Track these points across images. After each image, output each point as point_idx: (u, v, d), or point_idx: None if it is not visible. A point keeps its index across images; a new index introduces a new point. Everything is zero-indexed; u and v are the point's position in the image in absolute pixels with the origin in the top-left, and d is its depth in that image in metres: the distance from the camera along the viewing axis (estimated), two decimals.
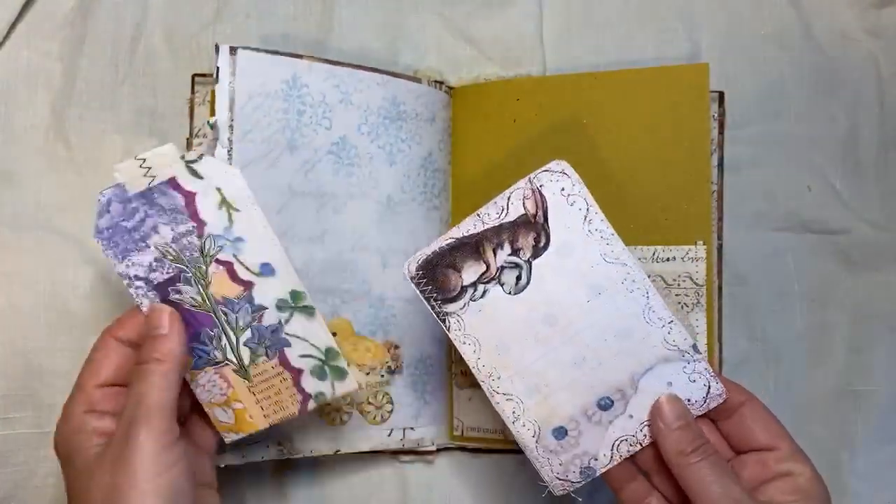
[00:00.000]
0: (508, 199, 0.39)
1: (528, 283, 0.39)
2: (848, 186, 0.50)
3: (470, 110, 0.50)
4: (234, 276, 0.39)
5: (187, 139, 0.48)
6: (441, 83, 0.50)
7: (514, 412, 0.39)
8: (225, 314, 0.39)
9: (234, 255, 0.38)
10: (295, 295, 0.39)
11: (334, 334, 0.46)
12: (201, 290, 0.39)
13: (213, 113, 0.47)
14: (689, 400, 0.38)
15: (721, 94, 0.49)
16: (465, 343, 0.39)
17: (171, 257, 0.38)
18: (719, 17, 0.52)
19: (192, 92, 0.48)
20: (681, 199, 0.47)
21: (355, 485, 0.49)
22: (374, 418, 0.47)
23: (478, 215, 0.39)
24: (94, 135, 0.49)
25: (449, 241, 0.39)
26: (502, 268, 0.39)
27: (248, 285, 0.39)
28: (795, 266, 0.50)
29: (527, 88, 0.49)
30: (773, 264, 0.50)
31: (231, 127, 0.43)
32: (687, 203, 0.46)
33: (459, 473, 0.50)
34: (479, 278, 0.39)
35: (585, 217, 0.39)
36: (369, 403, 0.47)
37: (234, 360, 0.39)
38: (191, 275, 0.38)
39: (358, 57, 0.48)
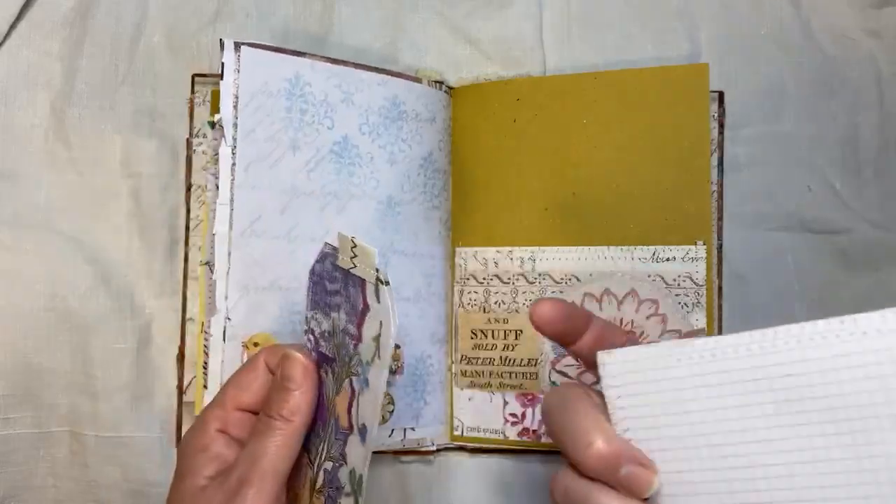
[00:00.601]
0: None
1: None
2: (848, 186, 0.50)
3: (470, 110, 0.50)
4: (349, 408, 0.35)
5: (187, 139, 0.48)
6: (441, 83, 0.50)
7: None
8: (331, 431, 0.35)
9: (358, 394, 0.34)
10: (359, 481, 0.34)
11: None
12: (333, 392, 0.35)
13: (213, 112, 0.48)
14: None
15: (721, 94, 0.49)
16: None
17: (336, 342, 0.35)
18: (719, 17, 0.52)
19: (192, 92, 0.48)
20: (681, 199, 0.47)
21: None
22: None
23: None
24: (94, 135, 0.49)
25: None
26: None
27: (350, 428, 0.34)
28: (795, 266, 0.50)
29: (527, 88, 0.49)
30: (773, 264, 0.50)
31: (235, 125, 0.43)
32: (687, 203, 0.46)
33: (459, 473, 0.50)
34: None
35: None
36: None
37: (313, 471, 0.37)
38: (336, 372, 0.35)
39: (358, 56, 0.48)
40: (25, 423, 0.47)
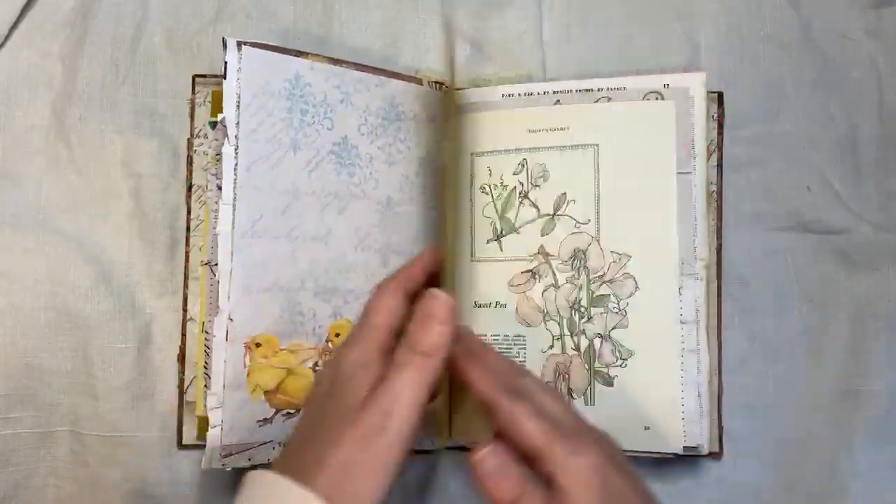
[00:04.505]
0: None
1: None
2: (847, 186, 0.50)
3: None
4: None
5: (188, 139, 0.48)
6: (441, 84, 0.50)
7: None
8: None
9: None
10: None
11: (337, 335, 0.46)
12: None
13: (214, 113, 0.48)
14: None
15: (720, 95, 0.49)
16: None
17: None
18: (719, 18, 0.52)
19: (193, 92, 0.48)
20: None
21: None
22: None
23: None
24: (95, 135, 0.49)
25: None
26: None
27: None
28: (795, 266, 0.50)
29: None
30: (773, 264, 0.50)
31: (238, 125, 0.43)
32: None
33: (459, 473, 0.50)
34: None
35: None
36: None
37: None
38: None
39: (358, 57, 0.48)
40: (26, 423, 0.47)
